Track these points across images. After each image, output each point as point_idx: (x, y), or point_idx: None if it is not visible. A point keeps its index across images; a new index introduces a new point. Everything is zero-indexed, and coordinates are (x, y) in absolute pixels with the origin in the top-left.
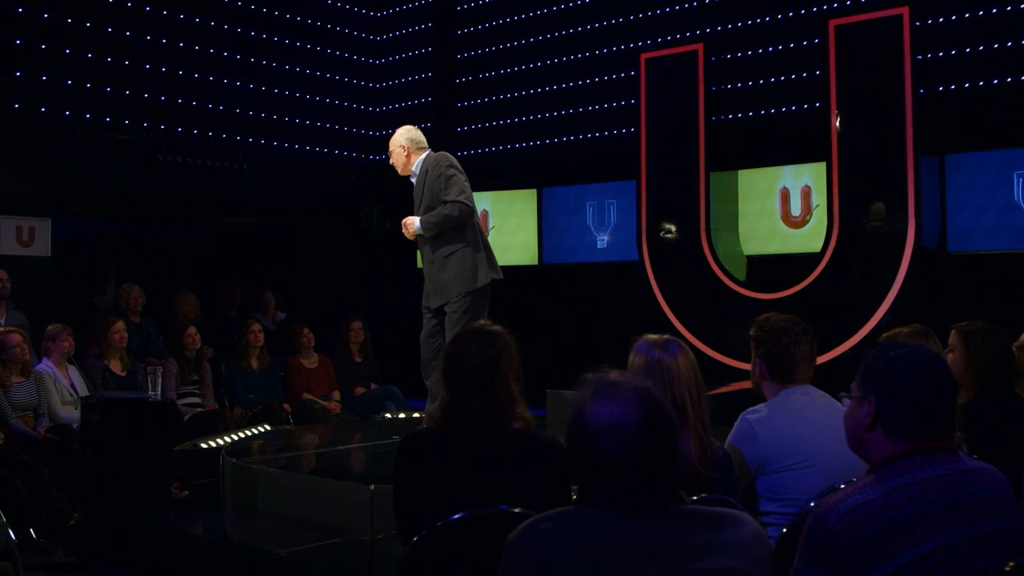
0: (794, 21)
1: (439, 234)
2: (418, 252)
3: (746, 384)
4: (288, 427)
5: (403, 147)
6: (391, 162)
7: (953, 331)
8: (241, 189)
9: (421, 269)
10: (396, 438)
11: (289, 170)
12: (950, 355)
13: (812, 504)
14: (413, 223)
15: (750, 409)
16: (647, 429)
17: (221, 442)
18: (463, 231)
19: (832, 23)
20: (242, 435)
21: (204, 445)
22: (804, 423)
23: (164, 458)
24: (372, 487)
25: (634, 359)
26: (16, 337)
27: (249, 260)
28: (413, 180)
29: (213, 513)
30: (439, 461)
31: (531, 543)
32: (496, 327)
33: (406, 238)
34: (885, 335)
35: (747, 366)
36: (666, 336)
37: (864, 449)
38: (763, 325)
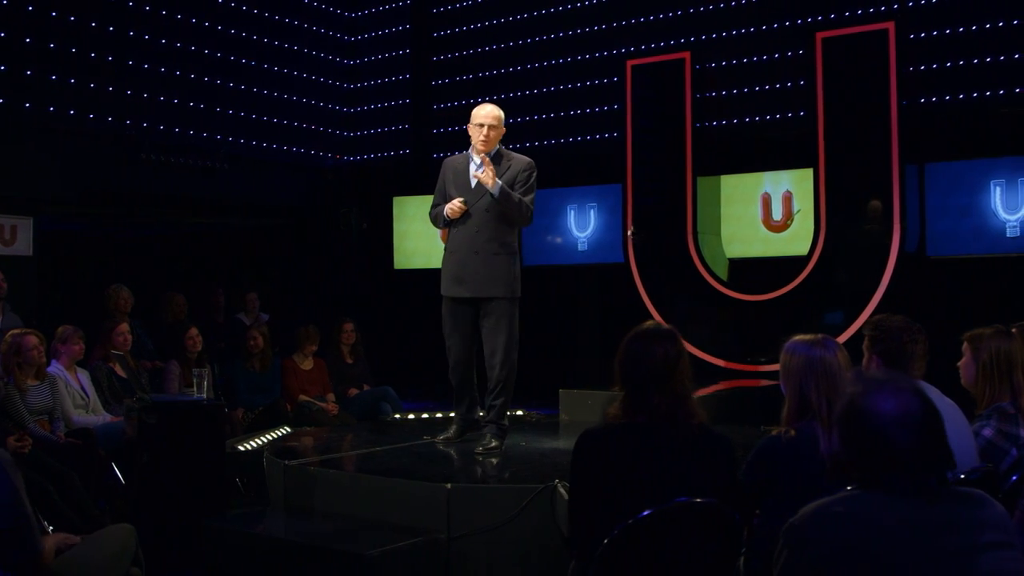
0: (779, 32)
1: (496, 230)
2: (406, 248)
3: (736, 383)
4: (309, 428)
5: (503, 130)
6: (484, 130)
7: (1014, 329)
8: (220, 188)
9: (400, 271)
10: (427, 438)
11: (267, 169)
12: None
13: None
14: (495, 179)
15: None
16: (929, 419)
17: (257, 444)
18: (515, 239)
19: (819, 35)
20: (273, 436)
21: (242, 448)
22: None
23: (220, 461)
24: (449, 486)
25: (791, 359)
26: (33, 339)
27: (228, 260)
28: (476, 158)
29: (269, 516)
30: (626, 456)
31: (825, 528)
32: (669, 327)
33: (383, 238)
34: (968, 334)
35: (737, 366)
36: (820, 335)
37: None
38: (879, 325)
